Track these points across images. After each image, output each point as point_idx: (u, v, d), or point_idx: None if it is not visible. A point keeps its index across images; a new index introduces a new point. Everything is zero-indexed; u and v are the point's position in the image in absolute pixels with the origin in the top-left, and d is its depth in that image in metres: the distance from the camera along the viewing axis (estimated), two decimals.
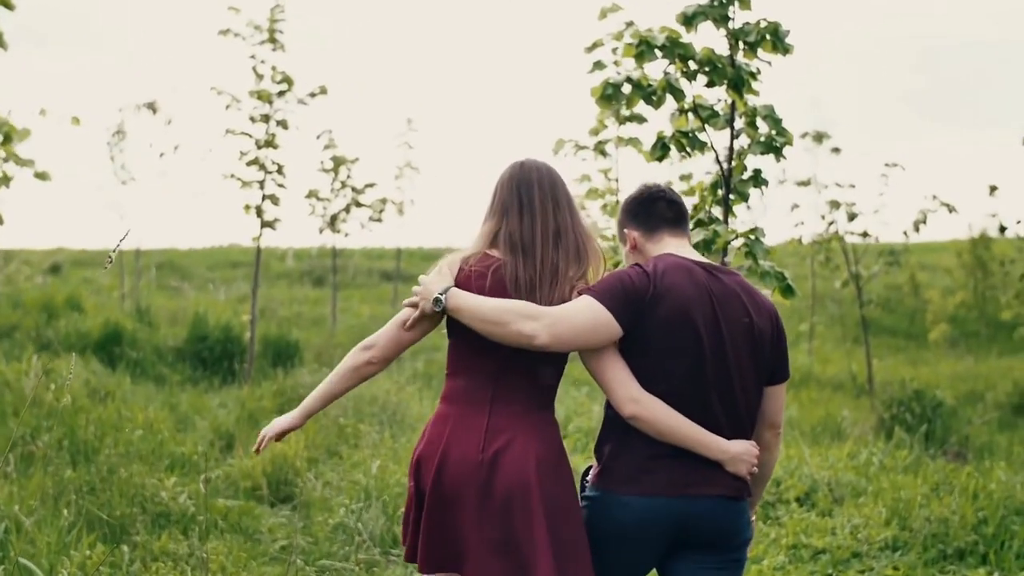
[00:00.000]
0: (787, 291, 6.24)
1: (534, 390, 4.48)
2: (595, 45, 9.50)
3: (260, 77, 15.07)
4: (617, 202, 10.25)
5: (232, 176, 15.16)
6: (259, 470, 9.85)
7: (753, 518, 4.66)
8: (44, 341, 15.91)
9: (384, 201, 22.07)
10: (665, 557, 4.46)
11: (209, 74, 40.94)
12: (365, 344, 4.56)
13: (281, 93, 15.07)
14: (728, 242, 6.24)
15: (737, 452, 4.37)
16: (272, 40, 14.99)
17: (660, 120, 11.67)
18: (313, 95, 15.32)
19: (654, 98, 6.43)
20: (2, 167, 9.11)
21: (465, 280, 4.43)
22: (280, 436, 4.67)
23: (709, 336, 4.33)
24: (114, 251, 4.75)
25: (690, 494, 4.32)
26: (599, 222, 10.33)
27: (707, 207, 6.68)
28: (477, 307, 4.31)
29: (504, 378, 4.43)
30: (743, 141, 6.68)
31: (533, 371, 4.44)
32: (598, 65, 9.45)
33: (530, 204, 4.49)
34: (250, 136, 15.11)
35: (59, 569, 6.68)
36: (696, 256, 4.60)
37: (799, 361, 18.17)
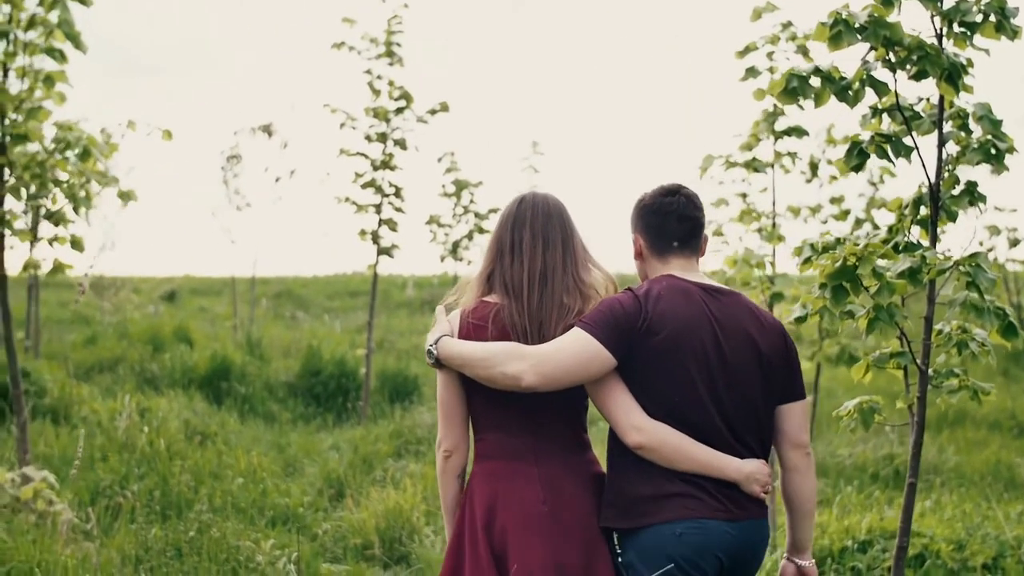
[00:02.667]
0: (1009, 331, 5.06)
1: (569, 429, 4.47)
2: (748, 49, 8.73)
3: (377, 93, 14.05)
4: (774, 225, 9.15)
5: (347, 200, 14.18)
6: (371, 525, 8.76)
7: (810, 562, 4.61)
8: (148, 375, 15.06)
9: None
10: None
11: (324, 92, 40.26)
12: (437, 444, 4.51)
13: (399, 110, 14.04)
14: (942, 271, 5.02)
15: (751, 471, 4.28)
16: (389, 54, 13.96)
17: (819, 135, 10.91)
18: (433, 112, 14.22)
19: (850, 93, 5.22)
20: (84, 187, 8.10)
21: (466, 333, 4.40)
22: None
23: (711, 359, 4.26)
24: (86, 276, 3.71)
25: (744, 517, 4.27)
26: (754, 248, 9.21)
27: (907, 228, 5.45)
28: (467, 352, 4.28)
29: (539, 426, 4.40)
30: (951, 148, 5.44)
31: (561, 410, 4.42)
32: (751, 72, 8.72)
33: (520, 245, 4.47)
34: (366, 156, 14.12)
35: None
36: (699, 278, 4.49)
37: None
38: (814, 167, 10.00)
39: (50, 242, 8.40)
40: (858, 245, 4.87)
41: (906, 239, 5.38)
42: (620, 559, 4.32)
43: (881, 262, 4.92)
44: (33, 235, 8.57)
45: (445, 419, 4.47)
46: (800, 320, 5.23)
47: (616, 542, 4.35)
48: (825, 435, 13.75)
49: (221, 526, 7.95)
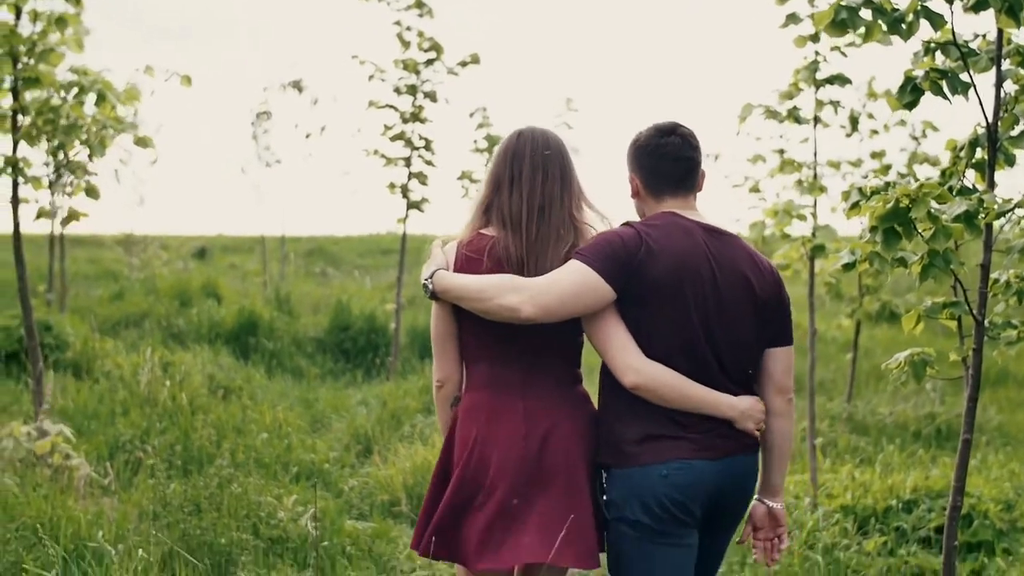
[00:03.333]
0: None
1: (562, 365, 4.44)
2: None
3: (406, 45, 13.69)
4: (815, 176, 8.82)
5: (376, 153, 13.87)
6: (398, 481, 8.50)
7: (780, 505, 4.60)
8: (174, 331, 14.84)
9: None
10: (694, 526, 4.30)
11: (352, 44, 39.81)
12: (434, 380, 4.54)
13: (429, 62, 13.69)
14: (1001, 214, 4.71)
15: (745, 407, 4.29)
16: (419, 4, 13.57)
17: (860, 88, 10.57)
18: (464, 64, 13.88)
19: (903, 25, 4.89)
20: (100, 133, 7.83)
21: (461, 265, 4.38)
22: None
23: (707, 296, 4.23)
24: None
25: (731, 454, 4.27)
26: (795, 199, 8.91)
27: (961, 172, 5.12)
28: (462, 285, 4.26)
29: (529, 359, 4.37)
30: (1009, 87, 5.10)
31: (554, 344, 4.38)
32: (792, 18, 8.37)
33: (519, 177, 4.43)
34: (395, 109, 13.80)
35: None
36: (699, 217, 4.41)
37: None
38: (854, 121, 9.62)
39: (65, 191, 8.13)
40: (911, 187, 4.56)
41: (961, 183, 5.08)
42: (605, 496, 4.32)
43: (935, 206, 4.61)
44: (51, 185, 8.34)
45: (439, 351, 4.48)
46: (848, 267, 4.93)
47: (603, 480, 4.35)
48: (864, 393, 13.46)
49: (243, 481, 7.69)
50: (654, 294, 4.18)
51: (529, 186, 4.40)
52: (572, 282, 4.14)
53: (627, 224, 4.35)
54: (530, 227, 4.36)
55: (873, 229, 4.66)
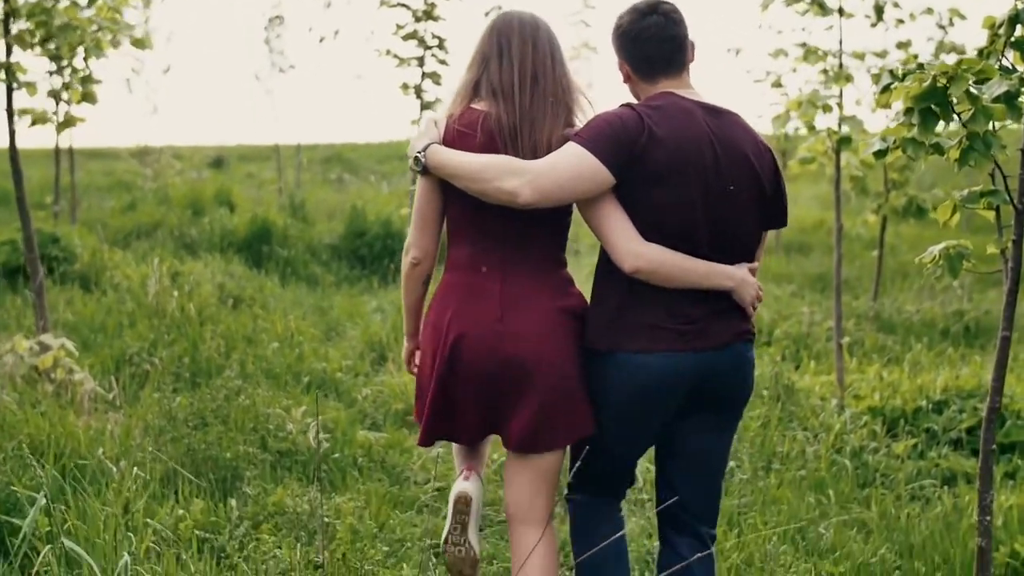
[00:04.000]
0: None
1: (545, 248, 4.36)
2: None
3: None
4: (840, 65, 8.49)
5: (388, 53, 13.50)
6: (413, 389, 8.21)
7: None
8: (186, 240, 14.59)
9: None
10: (673, 415, 4.31)
11: None
12: (405, 249, 4.44)
13: None
14: None
15: (743, 276, 4.22)
16: None
17: None
18: None
19: None
20: (95, 35, 7.53)
21: (452, 140, 4.26)
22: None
23: (710, 181, 4.14)
24: None
25: (708, 347, 4.19)
26: (820, 90, 8.59)
27: (1000, 51, 4.78)
28: (458, 163, 4.15)
29: (512, 240, 4.28)
30: None
31: (541, 226, 4.29)
32: None
33: (508, 49, 4.33)
34: (407, 7, 13.40)
35: (137, 539, 5.13)
36: (696, 96, 4.31)
37: None
38: (879, 10, 9.24)
39: (60, 95, 7.85)
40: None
41: (1000, 64, 4.74)
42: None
43: (974, 85, 4.28)
44: (50, 92, 8.06)
45: (419, 226, 4.37)
46: (880, 154, 4.61)
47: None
48: (890, 291, 13.22)
49: (251, 393, 7.45)
50: (655, 179, 4.09)
51: (520, 57, 4.30)
52: (571, 167, 4.04)
53: (627, 106, 4.22)
54: (523, 96, 4.26)
55: (908, 111, 4.35)
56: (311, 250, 14.74)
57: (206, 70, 39.09)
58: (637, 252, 4.08)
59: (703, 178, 4.11)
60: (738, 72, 21.43)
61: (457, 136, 4.25)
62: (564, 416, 4.26)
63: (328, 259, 14.58)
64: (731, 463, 6.90)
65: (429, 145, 4.23)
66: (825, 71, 8.69)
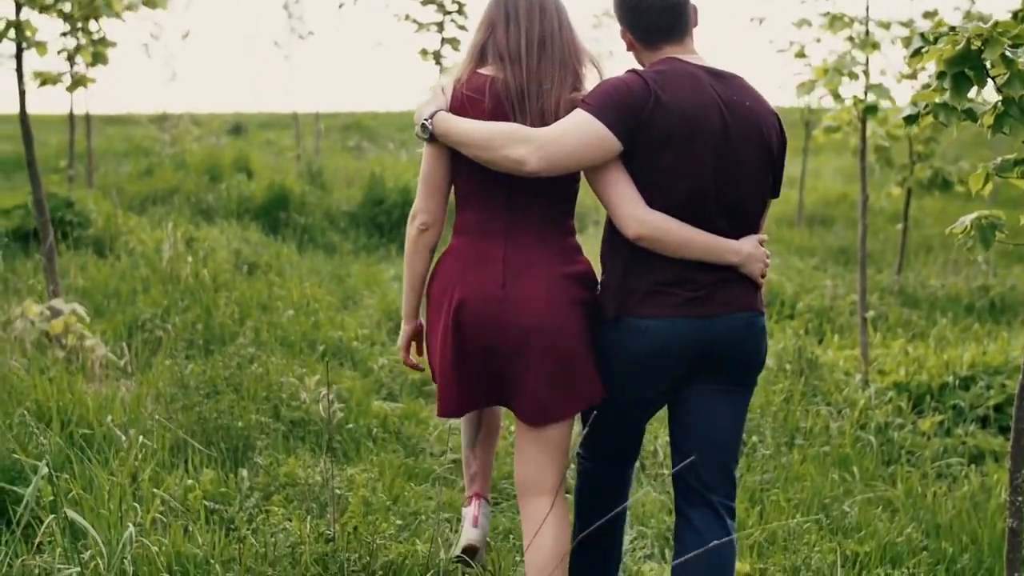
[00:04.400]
0: None
1: (551, 215, 4.32)
2: None
3: None
4: (867, 32, 8.31)
5: (407, 18, 13.34)
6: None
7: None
8: (203, 206, 14.46)
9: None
10: (680, 382, 4.28)
11: None
12: (411, 216, 4.35)
13: None
14: None
15: (750, 250, 4.18)
16: None
17: None
18: None
19: None
20: None
21: (460, 105, 4.21)
22: (417, 349, 4.63)
23: (717, 148, 4.09)
24: None
25: (714, 313, 4.15)
26: (851, 56, 8.41)
27: None
28: (466, 131, 4.11)
29: (518, 206, 4.25)
30: None
31: (547, 193, 4.25)
32: None
33: (515, 14, 4.29)
34: None
35: (143, 510, 5.02)
36: (701, 60, 4.27)
37: None
38: None
39: (73, 57, 7.71)
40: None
41: None
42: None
43: (1010, 49, 4.13)
44: (70, 57, 7.93)
45: (426, 192, 4.30)
46: (911, 119, 4.48)
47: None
48: (914, 265, 13.03)
49: (264, 361, 7.33)
50: (662, 144, 4.05)
51: (527, 21, 4.27)
52: (579, 135, 4.01)
53: (632, 71, 4.18)
54: (530, 59, 4.22)
55: (940, 75, 4.21)
56: (329, 217, 14.62)
57: (225, 36, 38.90)
58: (640, 218, 4.06)
59: (711, 142, 4.08)
60: (761, 42, 21.27)
61: (465, 101, 4.20)
62: (568, 386, 4.24)
63: (346, 227, 14.45)
64: (753, 438, 6.78)
65: (436, 112, 4.17)
66: (851, 38, 8.52)
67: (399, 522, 5.38)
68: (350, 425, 6.82)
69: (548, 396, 4.22)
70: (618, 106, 4.03)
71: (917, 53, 4.40)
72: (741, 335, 4.21)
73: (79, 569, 4.40)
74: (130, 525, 4.57)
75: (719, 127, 4.09)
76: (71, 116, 15.11)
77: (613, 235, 4.24)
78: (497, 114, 4.17)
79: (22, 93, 7.53)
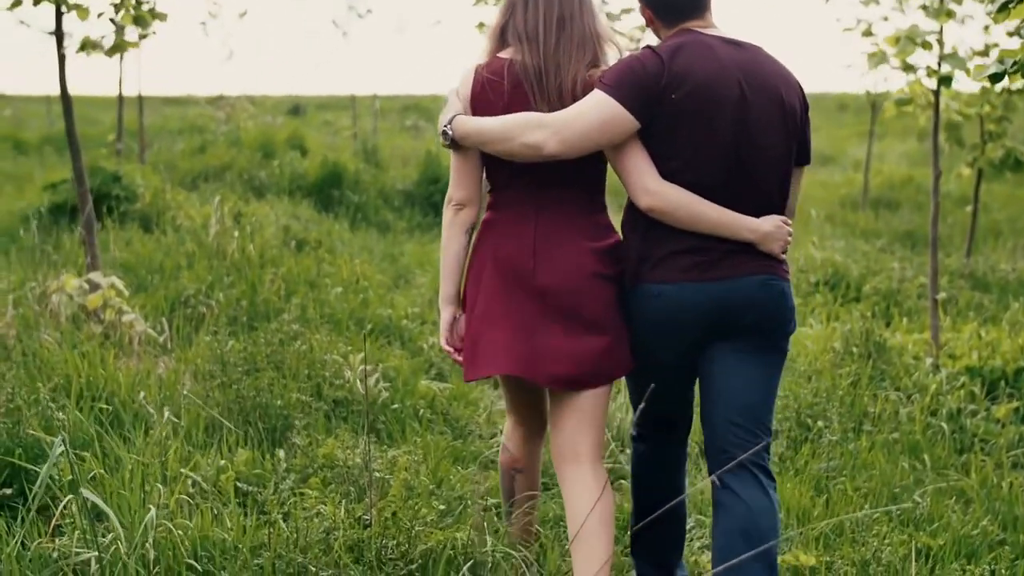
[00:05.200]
0: None
1: (580, 194, 4.34)
2: None
3: None
4: (941, 1, 7.93)
5: None
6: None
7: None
8: (255, 183, 14.28)
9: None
10: (700, 347, 4.26)
11: None
12: (447, 200, 4.37)
13: None
14: None
15: (769, 229, 4.14)
16: None
17: None
18: None
19: None
20: None
21: (480, 89, 4.26)
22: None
23: (736, 118, 4.07)
24: None
25: (726, 276, 4.14)
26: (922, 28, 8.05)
27: None
28: (482, 128, 4.17)
29: (547, 187, 4.27)
30: None
31: (575, 173, 4.26)
32: None
33: None
34: None
35: (167, 491, 4.75)
36: (717, 31, 4.26)
37: None
38: None
39: (117, 22, 7.46)
40: None
41: None
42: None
43: None
44: (115, 22, 7.68)
45: (458, 180, 4.33)
46: (996, 78, 4.17)
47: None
48: (982, 250, 12.64)
49: (308, 338, 7.06)
50: (678, 117, 4.05)
51: (546, 3, 4.26)
52: (596, 116, 4.02)
53: (648, 48, 4.17)
54: (548, 38, 4.22)
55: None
56: (383, 196, 14.53)
57: (282, 15, 38.89)
58: (652, 190, 4.08)
59: (729, 113, 4.07)
60: (827, 20, 21.02)
61: (485, 84, 4.24)
62: (594, 354, 4.24)
63: (400, 205, 14.33)
64: (819, 423, 6.45)
65: (454, 117, 4.23)
66: (925, 6, 8.15)
67: (443, 507, 5.09)
68: (395, 405, 6.55)
69: (577, 363, 4.23)
70: (633, 84, 4.03)
71: (1004, 8, 4.10)
72: (757, 297, 4.17)
73: (97, 553, 4.13)
74: (151, 507, 4.30)
75: (736, 95, 4.07)
76: (120, 89, 14.95)
77: (631, 207, 4.25)
78: (516, 95, 4.21)
79: (62, 59, 7.29)
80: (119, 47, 7.57)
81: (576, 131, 4.03)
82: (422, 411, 6.58)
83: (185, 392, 6.06)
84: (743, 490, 4.16)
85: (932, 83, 7.95)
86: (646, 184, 4.09)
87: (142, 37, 12.10)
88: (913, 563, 4.89)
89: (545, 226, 4.27)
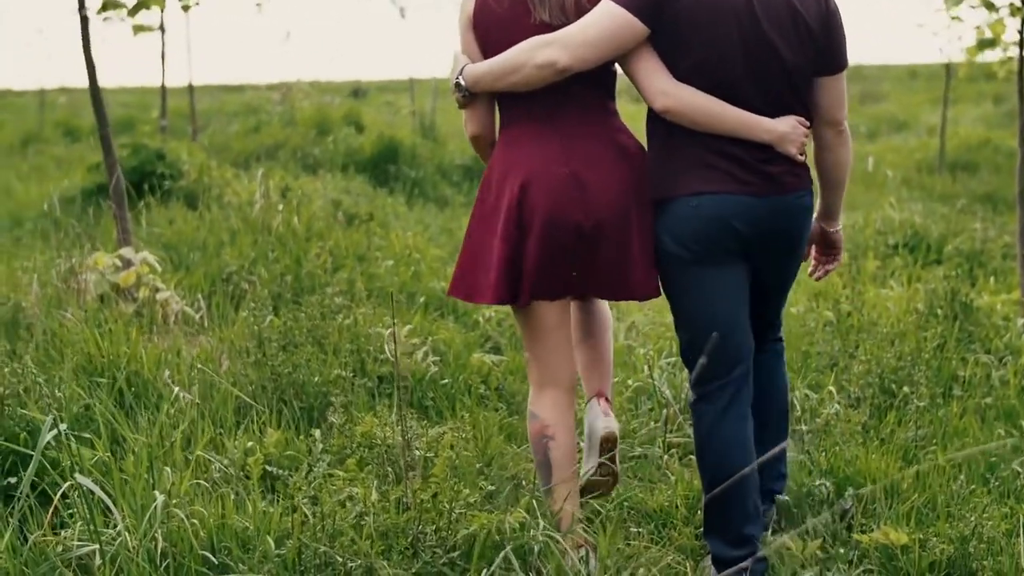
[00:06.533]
0: None
1: (591, 97, 4.31)
2: None
3: None
4: None
5: None
6: None
7: (837, 230, 4.65)
8: (309, 160, 13.93)
9: None
10: (738, 256, 4.23)
11: None
12: (466, 132, 4.48)
13: None
14: None
15: (784, 130, 4.13)
16: None
17: None
18: None
19: None
20: None
21: (482, 5, 4.26)
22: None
23: (744, 22, 4.04)
24: None
25: (759, 192, 4.13)
26: None
27: None
28: (491, 67, 4.17)
29: (558, 97, 4.21)
30: None
31: (582, 83, 4.20)
32: None
33: None
34: None
35: (177, 477, 4.30)
36: None
37: None
38: None
39: None
40: None
41: None
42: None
43: None
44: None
45: (470, 116, 4.38)
46: None
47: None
48: None
49: (353, 311, 6.60)
50: (686, 21, 4.05)
51: None
52: (605, 25, 4.03)
53: None
54: None
55: None
56: (441, 171, 14.26)
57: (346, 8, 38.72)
58: (666, 91, 4.07)
59: (736, 17, 4.04)
60: None
61: (484, 4, 4.24)
62: (626, 267, 4.27)
63: (459, 180, 14.04)
64: (904, 388, 5.91)
65: (463, 68, 4.23)
66: None
67: (492, 487, 4.60)
68: (445, 380, 6.09)
69: (609, 277, 4.27)
70: None
71: None
72: (792, 213, 4.24)
73: (98, 546, 3.68)
74: (157, 494, 3.84)
75: (744, 4, 4.04)
76: (163, 62, 14.67)
77: (652, 118, 4.25)
78: (517, 9, 4.18)
79: (84, 20, 6.89)
80: (143, 4, 7.19)
81: (584, 41, 4.02)
82: (475, 386, 6.11)
83: (199, 367, 5.62)
84: (776, 363, 4.64)
85: (1016, 23, 7.42)
86: (662, 86, 4.08)
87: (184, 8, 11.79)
88: (1022, 538, 4.36)
89: (566, 128, 4.25)
